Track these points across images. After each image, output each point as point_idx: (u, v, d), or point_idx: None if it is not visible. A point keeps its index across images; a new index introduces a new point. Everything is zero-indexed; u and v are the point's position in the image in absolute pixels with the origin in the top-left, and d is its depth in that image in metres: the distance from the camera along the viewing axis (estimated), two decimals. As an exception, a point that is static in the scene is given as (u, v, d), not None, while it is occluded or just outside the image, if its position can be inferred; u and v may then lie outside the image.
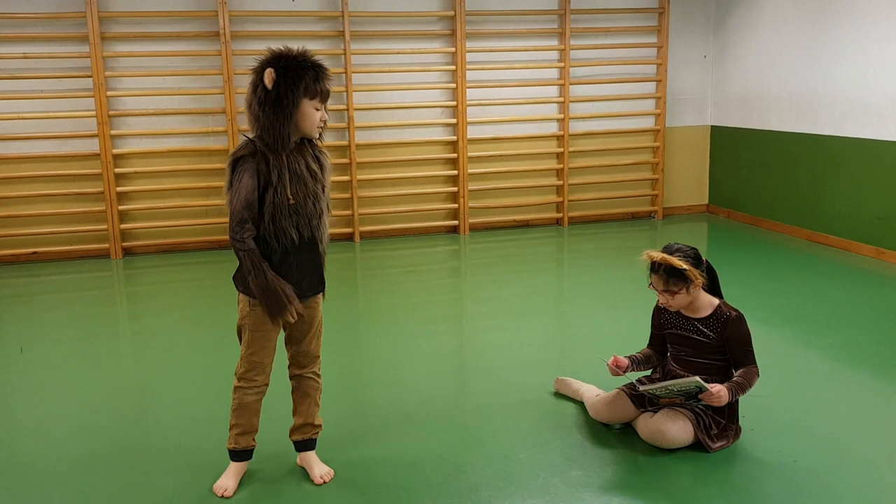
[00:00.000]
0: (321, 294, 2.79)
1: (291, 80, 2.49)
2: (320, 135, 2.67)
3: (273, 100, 2.48)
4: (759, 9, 7.00)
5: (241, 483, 2.81)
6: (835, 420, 3.24)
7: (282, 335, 2.77)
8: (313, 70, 2.53)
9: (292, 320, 2.61)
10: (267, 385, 2.77)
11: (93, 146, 6.39)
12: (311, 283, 2.70)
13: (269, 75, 2.48)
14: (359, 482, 2.83)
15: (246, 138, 2.60)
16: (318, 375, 2.86)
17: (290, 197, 2.52)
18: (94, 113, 6.30)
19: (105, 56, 6.25)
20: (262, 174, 2.51)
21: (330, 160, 2.73)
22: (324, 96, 2.58)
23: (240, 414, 2.75)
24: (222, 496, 2.73)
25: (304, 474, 2.88)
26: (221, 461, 2.91)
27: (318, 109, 2.56)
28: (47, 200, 6.40)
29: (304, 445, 2.89)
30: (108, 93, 6.30)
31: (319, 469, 2.85)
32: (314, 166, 2.61)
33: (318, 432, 2.91)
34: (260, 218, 2.53)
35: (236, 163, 2.54)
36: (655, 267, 2.94)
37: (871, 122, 5.89)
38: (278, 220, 2.53)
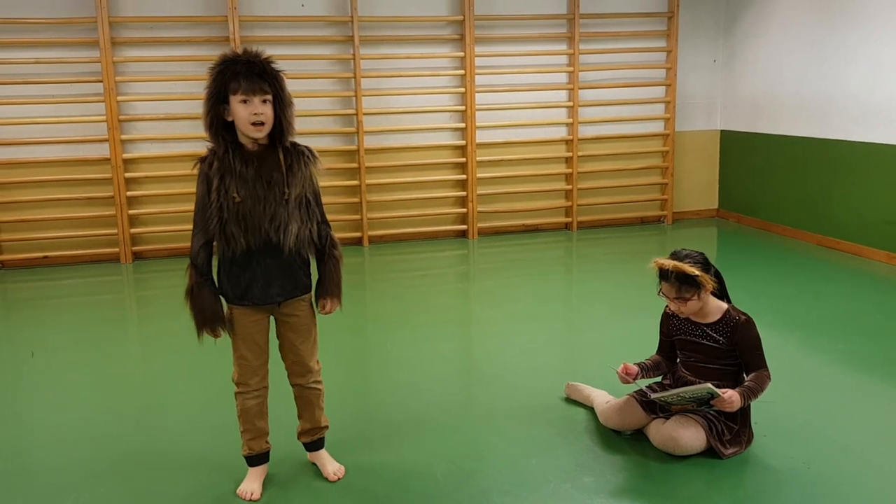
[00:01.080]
0: (303, 299, 2.70)
1: (213, 79, 2.49)
2: (283, 137, 2.55)
3: (206, 101, 2.51)
4: (769, 13, 6.99)
5: None
6: (848, 426, 3.22)
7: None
8: (231, 64, 2.47)
9: (213, 338, 2.63)
10: (265, 388, 2.75)
11: (103, 151, 6.42)
12: (283, 288, 2.62)
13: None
14: (369, 487, 2.83)
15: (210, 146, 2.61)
16: (319, 383, 2.83)
17: (237, 196, 2.50)
18: (104, 117, 6.33)
19: (115, 61, 6.28)
20: (209, 177, 2.53)
21: (315, 165, 2.62)
22: (245, 89, 2.44)
23: (245, 419, 2.76)
24: (249, 500, 2.73)
25: (315, 474, 2.89)
26: (231, 465, 2.92)
27: (244, 102, 2.46)
28: (58, 205, 6.43)
29: (314, 446, 2.92)
30: (119, 97, 6.33)
31: (332, 466, 2.88)
32: (272, 171, 2.54)
33: (325, 432, 2.92)
34: (210, 222, 2.53)
35: (198, 169, 2.58)
36: (666, 275, 2.92)
37: (881, 126, 5.86)
38: (226, 224, 2.52)
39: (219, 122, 2.51)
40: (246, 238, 2.52)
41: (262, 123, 2.49)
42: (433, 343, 4.42)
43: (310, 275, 2.71)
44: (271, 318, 2.72)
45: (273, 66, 2.51)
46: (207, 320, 2.59)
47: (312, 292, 2.74)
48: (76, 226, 6.49)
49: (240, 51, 2.51)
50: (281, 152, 2.56)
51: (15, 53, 6.18)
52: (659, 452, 2.97)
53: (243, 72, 2.45)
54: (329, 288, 2.71)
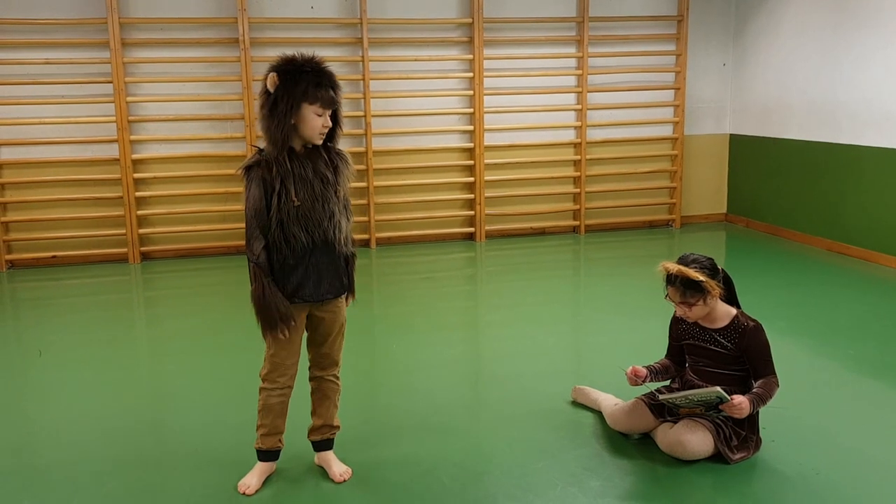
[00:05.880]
0: (344, 297, 2.81)
1: (292, 84, 2.52)
2: (333, 141, 2.68)
3: (274, 104, 2.53)
4: (780, 17, 6.96)
5: (264, 482, 2.84)
6: (857, 432, 3.20)
7: (305, 336, 2.81)
8: (314, 75, 2.53)
9: (282, 338, 2.65)
10: (290, 387, 2.80)
11: (112, 151, 6.44)
12: (331, 286, 2.71)
13: (271, 79, 2.54)
14: (375, 489, 2.82)
15: (256, 148, 2.67)
16: (338, 378, 2.90)
17: (296, 200, 2.56)
18: (113, 118, 6.35)
19: (125, 62, 6.30)
20: (267, 181, 2.57)
21: (351, 164, 2.75)
22: (324, 102, 2.55)
23: (265, 415, 2.80)
24: (244, 493, 2.76)
25: (323, 474, 2.90)
26: (239, 463, 2.92)
27: (319, 115, 2.56)
28: (67, 205, 6.45)
29: (322, 445, 2.94)
30: (128, 98, 6.35)
31: (338, 468, 2.89)
32: (325, 171, 2.63)
33: (335, 433, 2.95)
34: (270, 224, 2.58)
35: (246, 174, 2.61)
36: (672, 279, 2.91)
37: (893, 131, 5.82)
38: (286, 225, 2.58)
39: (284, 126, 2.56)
40: (307, 237, 2.60)
41: (326, 132, 2.61)
42: (440, 346, 4.42)
43: (347, 273, 2.80)
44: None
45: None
46: (282, 318, 2.62)
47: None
48: (85, 226, 6.51)
49: (306, 57, 2.57)
50: (325, 154, 2.65)
51: (25, 54, 6.21)
52: (666, 457, 2.96)
53: (325, 84, 2.55)
54: (351, 284, 2.83)
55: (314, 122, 2.56)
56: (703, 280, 2.84)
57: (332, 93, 2.57)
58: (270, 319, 2.61)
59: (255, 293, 2.61)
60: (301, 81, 2.52)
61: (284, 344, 2.70)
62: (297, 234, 2.58)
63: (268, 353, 2.75)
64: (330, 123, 2.60)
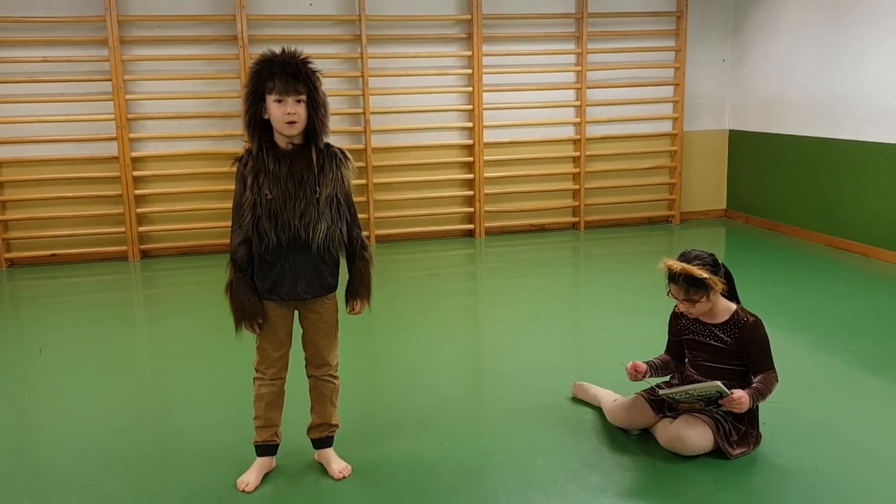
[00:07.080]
0: (328, 298, 2.77)
1: (255, 78, 2.56)
2: (316, 136, 2.61)
3: (244, 100, 2.60)
4: (778, 12, 6.96)
5: (264, 478, 2.85)
6: (856, 427, 3.20)
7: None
8: (274, 65, 2.54)
9: (251, 332, 2.72)
10: (281, 379, 2.82)
11: (111, 149, 6.43)
12: (310, 286, 2.69)
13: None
14: (375, 485, 2.83)
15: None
16: (335, 378, 2.89)
17: (268, 193, 2.56)
18: (112, 116, 6.34)
19: (124, 60, 6.29)
20: (244, 176, 2.61)
21: (348, 166, 2.68)
22: (280, 89, 2.51)
23: (258, 405, 2.83)
24: (243, 491, 2.78)
25: (323, 470, 2.91)
26: (240, 462, 2.92)
27: (278, 102, 2.53)
28: (66, 203, 6.45)
29: (321, 443, 2.94)
30: (127, 96, 6.35)
31: (338, 465, 2.90)
32: (303, 170, 2.60)
33: (334, 431, 2.95)
34: (244, 218, 2.61)
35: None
36: (675, 277, 2.91)
37: (892, 127, 5.82)
38: (259, 221, 2.59)
39: (256, 120, 2.59)
40: (276, 234, 2.59)
41: (295, 122, 2.55)
42: (440, 342, 4.42)
43: (337, 275, 2.77)
44: (296, 312, 2.79)
45: (310, 66, 2.57)
46: (246, 314, 2.67)
47: (337, 292, 2.80)
48: (84, 224, 6.51)
49: (278, 50, 2.57)
50: (314, 152, 2.62)
51: (24, 52, 6.20)
52: (666, 452, 2.96)
53: (279, 72, 2.52)
54: (358, 289, 2.79)
55: (276, 111, 2.54)
56: (706, 277, 2.84)
57: (290, 80, 2.51)
58: (237, 314, 2.68)
59: (227, 288, 2.69)
60: (261, 73, 2.55)
61: (267, 336, 2.74)
62: (267, 230, 2.58)
63: (256, 344, 2.79)
64: (294, 111, 2.53)
